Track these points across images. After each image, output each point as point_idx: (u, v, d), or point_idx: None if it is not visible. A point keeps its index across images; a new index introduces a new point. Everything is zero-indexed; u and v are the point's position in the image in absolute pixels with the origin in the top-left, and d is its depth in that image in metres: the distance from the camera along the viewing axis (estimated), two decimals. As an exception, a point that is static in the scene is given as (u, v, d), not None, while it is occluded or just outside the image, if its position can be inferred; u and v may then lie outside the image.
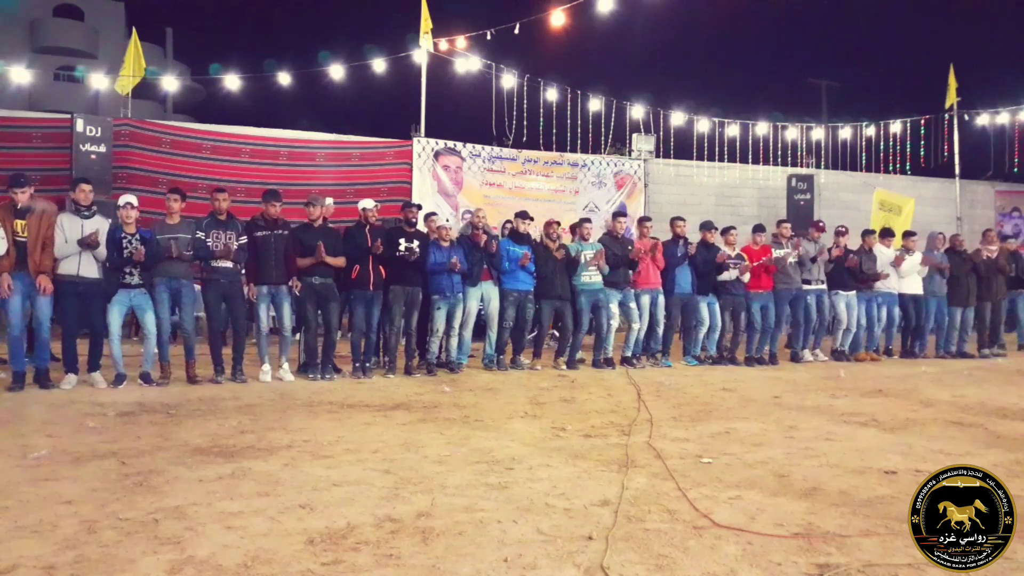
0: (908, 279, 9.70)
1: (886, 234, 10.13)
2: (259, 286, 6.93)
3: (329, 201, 7.67)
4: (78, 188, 6.46)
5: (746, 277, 8.75)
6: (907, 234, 10.12)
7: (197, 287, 7.13)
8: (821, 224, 9.59)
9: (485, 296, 8.07)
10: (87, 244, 6.22)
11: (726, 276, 8.72)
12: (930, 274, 9.79)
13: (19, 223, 6.06)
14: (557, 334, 8.99)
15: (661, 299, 8.66)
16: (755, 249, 9.03)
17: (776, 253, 8.98)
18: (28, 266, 6.07)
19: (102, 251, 6.36)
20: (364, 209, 7.44)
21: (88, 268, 6.34)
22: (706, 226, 9.01)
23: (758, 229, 9.29)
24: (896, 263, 9.56)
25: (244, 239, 6.87)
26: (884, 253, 9.73)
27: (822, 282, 9.22)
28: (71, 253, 6.26)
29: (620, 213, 9.26)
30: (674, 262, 8.66)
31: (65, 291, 6.30)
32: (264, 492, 3.33)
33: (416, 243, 7.44)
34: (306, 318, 7.24)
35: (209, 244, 6.71)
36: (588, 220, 8.89)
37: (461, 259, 7.67)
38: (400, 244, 7.36)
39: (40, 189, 6.35)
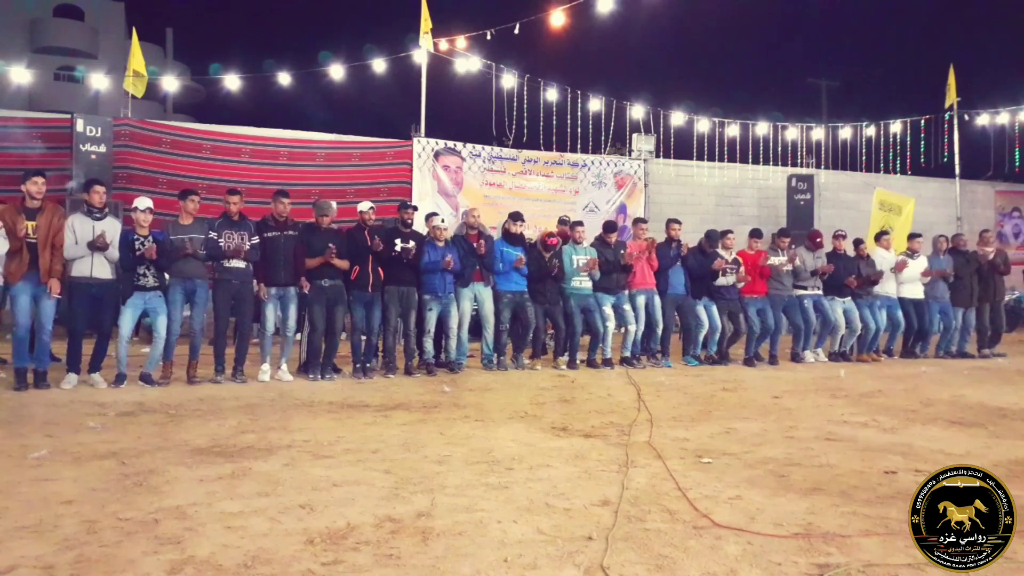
0: (908, 284, 9.67)
1: (882, 235, 10.11)
2: (268, 287, 6.95)
3: (334, 205, 7.67)
4: (92, 190, 6.44)
5: (741, 284, 8.77)
6: (912, 236, 10.08)
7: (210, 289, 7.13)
8: (819, 240, 9.38)
9: (478, 297, 8.06)
10: (96, 247, 6.22)
11: (723, 281, 8.73)
12: (933, 280, 9.77)
13: (28, 224, 6.07)
14: (553, 332, 8.98)
15: (657, 299, 8.66)
16: (750, 253, 9.03)
17: (772, 260, 8.96)
18: (38, 267, 6.08)
19: (114, 253, 6.37)
20: (361, 212, 7.45)
21: (101, 269, 6.34)
22: (710, 237, 8.91)
23: (755, 234, 9.25)
24: (897, 268, 9.51)
25: (256, 239, 6.89)
26: (884, 257, 9.71)
27: (818, 287, 9.20)
28: (82, 255, 6.26)
29: (611, 227, 8.87)
30: (666, 263, 8.67)
31: (78, 292, 6.31)
32: (264, 492, 3.33)
33: (412, 243, 7.45)
34: (313, 319, 7.24)
35: (221, 244, 6.73)
36: (580, 223, 8.84)
37: (455, 258, 7.67)
38: (396, 244, 7.38)
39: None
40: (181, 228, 6.72)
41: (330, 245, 6.98)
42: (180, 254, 6.56)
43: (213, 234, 6.73)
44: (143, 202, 6.66)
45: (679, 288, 8.72)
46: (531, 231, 8.78)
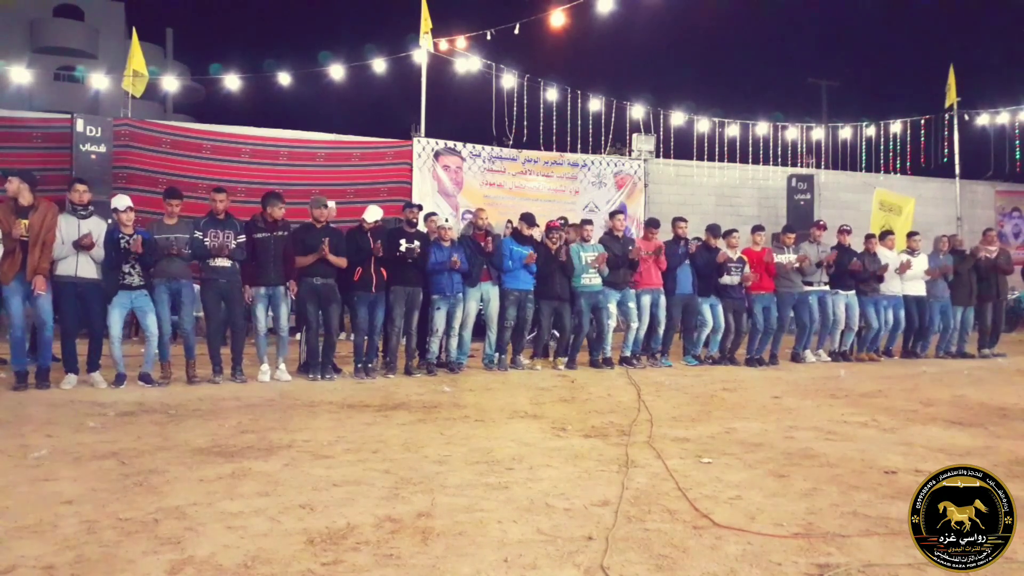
0: (910, 281, 9.69)
1: (886, 235, 10.13)
2: (256, 287, 6.94)
3: (331, 204, 7.67)
4: (73, 188, 6.47)
5: (747, 283, 8.76)
6: (911, 234, 10.11)
7: (196, 287, 7.13)
8: (822, 223, 9.53)
9: (485, 296, 8.06)
10: (81, 246, 6.22)
11: (727, 280, 8.72)
12: (934, 279, 9.77)
13: (22, 223, 6.06)
14: (558, 334, 8.98)
15: (663, 299, 8.65)
16: (756, 250, 9.02)
17: (778, 258, 8.96)
18: (27, 266, 6.08)
19: (99, 252, 6.36)
20: (364, 219, 7.40)
21: (86, 268, 6.34)
22: (712, 230, 8.96)
23: (757, 229, 9.28)
24: (901, 270, 9.51)
25: (242, 238, 6.88)
26: (887, 256, 9.71)
27: (824, 283, 9.22)
28: (68, 254, 6.26)
29: (619, 211, 9.24)
30: (675, 262, 8.66)
31: (64, 292, 6.30)
32: (264, 492, 3.33)
33: (416, 243, 7.45)
34: (307, 318, 7.24)
35: (207, 243, 6.72)
36: (589, 222, 8.87)
37: (462, 259, 7.66)
38: (400, 244, 7.37)
39: (40, 189, 6.36)
40: (165, 228, 6.70)
41: (323, 239, 6.98)
42: (164, 253, 6.55)
43: (198, 233, 6.72)
44: (122, 201, 6.63)
45: (686, 287, 8.72)
46: (536, 234, 8.77)
